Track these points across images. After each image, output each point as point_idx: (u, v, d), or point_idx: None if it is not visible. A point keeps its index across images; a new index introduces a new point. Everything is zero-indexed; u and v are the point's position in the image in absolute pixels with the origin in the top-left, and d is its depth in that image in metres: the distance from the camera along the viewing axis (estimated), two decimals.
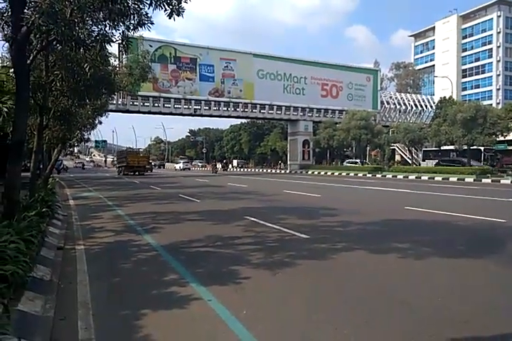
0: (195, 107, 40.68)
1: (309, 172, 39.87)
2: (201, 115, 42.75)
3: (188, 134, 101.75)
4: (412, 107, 53.26)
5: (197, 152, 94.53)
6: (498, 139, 30.44)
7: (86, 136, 17.78)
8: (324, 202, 12.59)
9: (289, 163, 48.24)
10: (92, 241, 6.94)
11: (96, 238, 7.26)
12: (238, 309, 3.84)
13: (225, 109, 42.07)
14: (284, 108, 44.53)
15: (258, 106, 43.32)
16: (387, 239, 6.86)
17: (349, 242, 6.66)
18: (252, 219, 9.16)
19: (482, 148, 31.00)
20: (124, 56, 17.21)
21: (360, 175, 32.92)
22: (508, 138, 31.77)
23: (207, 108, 41.23)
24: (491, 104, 56.28)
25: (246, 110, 43.02)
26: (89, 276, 4.91)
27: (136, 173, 38.42)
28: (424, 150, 39.32)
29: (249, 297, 4.22)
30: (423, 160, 38.62)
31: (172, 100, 39.39)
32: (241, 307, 3.90)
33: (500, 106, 55.27)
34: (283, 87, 45.05)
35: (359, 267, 5.31)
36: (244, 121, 74.10)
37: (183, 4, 5.93)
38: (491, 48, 69.41)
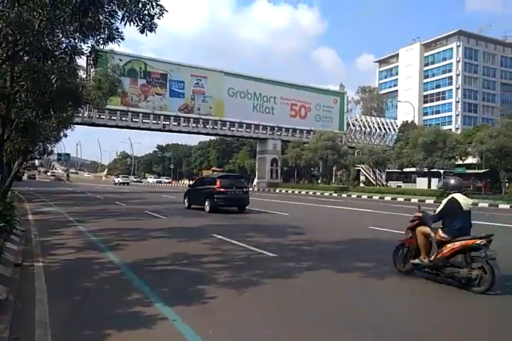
0: (164, 123, 40.45)
1: (277, 191, 40.13)
2: (170, 131, 42.46)
3: (156, 149, 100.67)
4: (376, 130, 55.19)
5: (164, 168, 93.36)
6: (456, 163, 31.89)
7: (49, 149, 17.26)
8: (291, 221, 12.71)
9: (256, 180, 48.46)
10: (52, 258, 6.69)
11: (56, 255, 7.01)
12: (203, 329, 3.81)
13: (195, 125, 42.08)
14: (253, 126, 45.05)
15: (228, 123, 43.64)
16: (351, 258, 7.03)
17: (315, 261, 6.77)
18: (220, 236, 9.13)
19: (442, 171, 32.35)
20: (92, 69, 17.02)
21: (326, 194, 33.50)
22: (466, 162, 33.35)
23: (176, 124, 41.09)
24: (451, 129, 59.10)
25: (215, 127, 43.21)
26: (48, 295, 4.72)
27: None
28: (387, 172, 40.55)
29: (215, 317, 4.19)
30: (386, 181, 39.80)
31: (140, 115, 39.03)
32: (206, 327, 3.87)
33: (459, 132, 58.18)
34: (253, 105, 45.71)
35: (325, 286, 5.40)
36: (213, 138, 74.25)
37: (155, 20, 6.00)
38: (451, 76, 73.50)
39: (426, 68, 77.60)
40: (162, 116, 40.07)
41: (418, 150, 30.55)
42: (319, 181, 45.43)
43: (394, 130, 55.23)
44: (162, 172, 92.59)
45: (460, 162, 32.13)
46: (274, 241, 8.66)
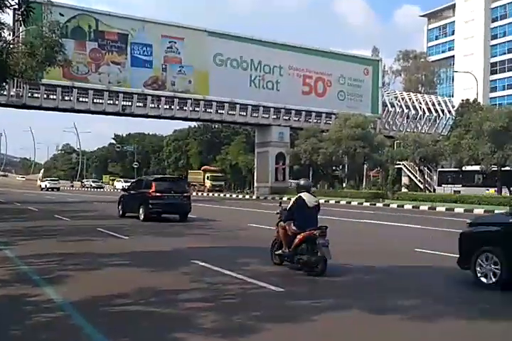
0: (124, 103, 40.45)
1: (285, 199, 40.09)
2: (132, 115, 42.47)
3: (113, 141, 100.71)
4: (424, 112, 55.30)
5: (125, 166, 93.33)
6: None
7: None
8: None
9: (256, 184, 48.53)
10: None
11: None
12: None
13: (168, 106, 42.09)
14: (250, 108, 45.09)
15: (214, 104, 43.67)
16: (390, 293, 7.06)
17: (338, 298, 6.78)
18: (203, 264, 9.17)
19: None
20: (22, 28, 17.03)
21: (354, 203, 33.55)
22: None
23: (141, 105, 41.10)
24: None
25: (197, 109, 43.24)
26: None
27: None
28: (439, 172, 40.52)
29: None
30: (439, 185, 39.76)
31: (91, 92, 39.03)
32: None
33: None
34: (250, 78, 45.76)
35: (351, 334, 5.41)
36: (194, 124, 74.23)
37: None
38: None
39: (494, 25, 77.61)
40: (121, 94, 40.07)
41: (483, 141, 30.58)
42: (344, 185, 45.53)
43: (449, 112, 55.34)
44: (122, 172, 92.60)
45: None
46: (279, 270, 8.73)
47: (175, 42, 42.40)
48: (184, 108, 42.68)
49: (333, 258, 9.99)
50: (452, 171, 37.76)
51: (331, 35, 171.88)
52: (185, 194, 19.21)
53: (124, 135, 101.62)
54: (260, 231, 15.57)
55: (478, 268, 7.47)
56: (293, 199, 8.92)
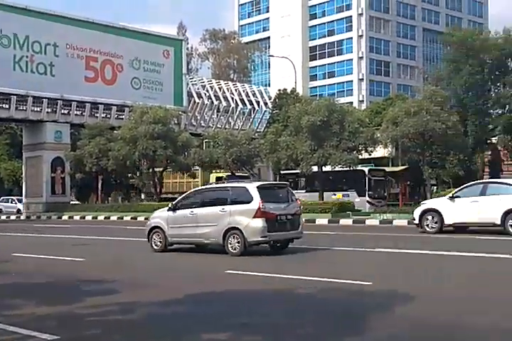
0: None
1: (65, 218, 39.07)
2: None
3: None
4: (237, 104, 57.53)
5: None
6: (361, 157, 34.94)
7: None
8: (91, 271, 12.75)
9: (25, 200, 46.45)
10: None
11: None
12: None
13: None
14: (15, 99, 43.32)
15: None
16: (197, 327, 7.27)
17: (132, 338, 6.88)
18: None
19: (366, 170, 34.91)
20: None
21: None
22: (375, 155, 36.57)
23: None
24: (352, 103, 65.06)
25: None
26: None
27: None
28: (281, 175, 41.33)
29: None
30: None
31: None
32: None
33: (364, 106, 64.31)
34: (13, 59, 43.99)
35: None
36: None
37: None
38: (350, 16, 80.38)
39: (311, 2, 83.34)
40: None
41: (303, 138, 32.65)
42: (143, 197, 45.64)
43: (266, 104, 58.27)
44: None
45: (366, 155, 35.32)
46: (56, 311, 8.48)
47: None
48: None
49: (132, 289, 10.07)
50: (294, 174, 38.67)
51: (126, 8, 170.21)
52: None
53: None
54: (31, 261, 15.05)
55: None
56: None
